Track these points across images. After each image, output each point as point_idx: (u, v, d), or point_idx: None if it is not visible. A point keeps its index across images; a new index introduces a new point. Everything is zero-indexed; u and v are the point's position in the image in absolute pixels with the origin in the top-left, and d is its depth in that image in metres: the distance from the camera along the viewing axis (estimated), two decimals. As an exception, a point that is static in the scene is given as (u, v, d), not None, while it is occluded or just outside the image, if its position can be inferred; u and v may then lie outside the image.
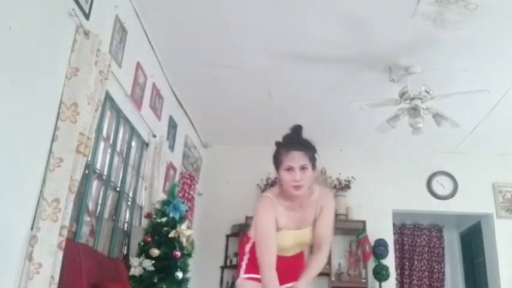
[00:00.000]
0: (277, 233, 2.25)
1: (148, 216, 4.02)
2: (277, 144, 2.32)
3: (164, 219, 3.70)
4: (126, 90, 3.75)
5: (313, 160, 2.26)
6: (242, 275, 2.40)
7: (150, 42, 4.22)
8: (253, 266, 2.31)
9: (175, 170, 5.27)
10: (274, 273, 2.17)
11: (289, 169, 2.20)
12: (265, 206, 2.28)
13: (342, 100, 5.11)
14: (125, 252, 4.04)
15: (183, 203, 3.95)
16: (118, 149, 3.92)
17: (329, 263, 6.02)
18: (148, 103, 4.35)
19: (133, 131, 4.17)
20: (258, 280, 2.26)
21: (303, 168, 2.19)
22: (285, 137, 2.32)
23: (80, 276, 2.68)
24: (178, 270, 3.56)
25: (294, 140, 2.28)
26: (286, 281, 2.25)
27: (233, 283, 6.05)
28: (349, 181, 6.31)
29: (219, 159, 6.65)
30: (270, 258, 2.19)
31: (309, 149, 2.26)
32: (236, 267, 2.66)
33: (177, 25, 4.05)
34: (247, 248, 2.42)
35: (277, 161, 2.27)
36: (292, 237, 2.31)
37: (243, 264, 2.42)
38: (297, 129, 2.33)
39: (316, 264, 2.32)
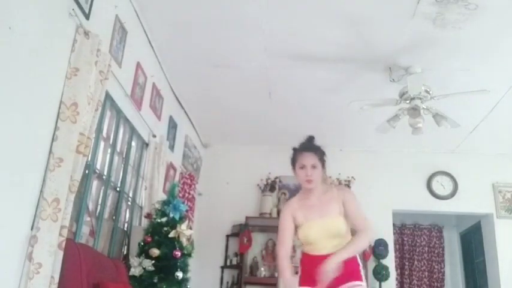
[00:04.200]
0: (302, 226, 2.70)
1: (148, 216, 4.02)
2: (294, 149, 2.84)
3: (164, 219, 3.70)
4: (126, 90, 3.75)
5: (322, 161, 2.77)
6: None
7: (150, 42, 4.22)
8: (305, 279, 2.65)
9: (175, 170, 5.27)
10: (286, 262, 2.63)
11: (302, 167, 2.73)
12: (284, 209, 2.85)
13: (342, 100, 5.11)
14: (125, 252, 4.04)
15: (183, 203, 3.95)
16: (118, 149, 3.92)
17: (329, 263, 6.03)
18: (148, 103, 4.35)
19: (133, 131, 4.17)
20: None
21: (313, 166, 2.71)
22: (299, 144, 2.84)
23: (80, 276, 2.68)
24: (178, 270, 3.56)
25: (306, 145, 2.81)
26: (337, 282, 2.49)
27: (233, 283, 6.05)
28: (349, 181, 6.32)
29: (219, 159, 6.65)
30: (284, 250, 2.70)
31: (318, 151, 2.78)
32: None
33: (177, 25, 4.05)
34: (298, 261, 2.85)
35: (293, 162, 2.81)
36: (318, 227, 2.67)
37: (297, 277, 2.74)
38: (309, 138, 2.85)
39: (353, 244, 2.62)
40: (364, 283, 2.64)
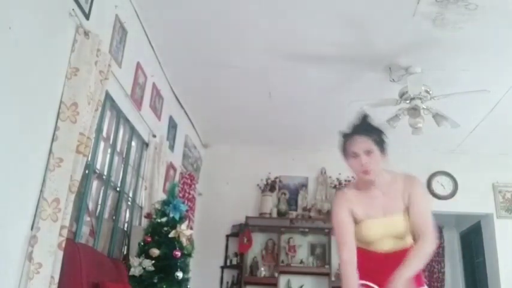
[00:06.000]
0: (361, 224, 2.19)
1: (148, 216, 4.02)
2: (341, 134, 2.29)
3: (164, 219, 3.70)
4: (126, 90, 3.75)
5: (380, 143, 2.20)
6: None
7: (150, 42, 4.22)
8: (361, 272, 2.20)
9: (175, 170, 5.27)
10: (352, 269, 2.10)
11: (355, 156, 2.19)
12: (337, 200, 2.28)
13: (342, 100, 5.11)
14: (125, 252, 4.04)
15: (183, 203, 3.95)
16: (118, 149, 3.92)
17: (329, 263, 6.04)
18: (148, 103, 4.35)
19: (133, 131, 4.17)
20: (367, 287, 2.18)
21: (368, 152, 2.16)
22: (348, 126, 2.29)
23: (80, 276, 2.68)
24: (178, 270, 3.56)
25: (356, 127, 2.25)
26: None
27: (233, 283, 6.05)
28: (349, 181, 6.29)
29: (219, 159, 6.65)
30: (346, 253, 2.14)
31: (372, 132, 2.21)
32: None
33: (177, 25, 4.05)
34: None
35: (343, 151, 2.26)
36: (379, 227, 2.19)
37: None
38: (361, 118, 2.30)
39: (414, 255, 2.11)
40: None
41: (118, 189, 3.95)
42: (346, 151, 2.23)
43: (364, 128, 2.23)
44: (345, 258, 2.13)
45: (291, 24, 3.95)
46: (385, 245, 2.20)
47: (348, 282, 2.09)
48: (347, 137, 2.24)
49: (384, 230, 2.18)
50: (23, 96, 2.38)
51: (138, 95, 4.03)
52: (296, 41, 4.19)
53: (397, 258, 2.13)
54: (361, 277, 2.16)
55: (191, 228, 4.12)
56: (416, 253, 2.11)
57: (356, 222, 2.22)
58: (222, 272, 6.20)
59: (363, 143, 2.17)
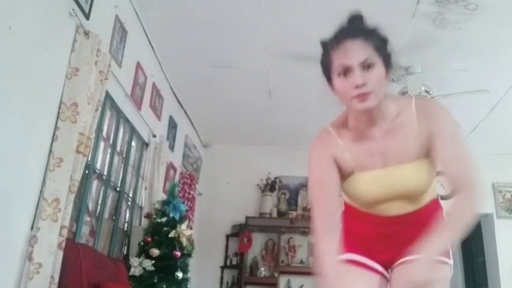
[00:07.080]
0: (349, 179, 1.49)
1: (148, 216, 4.02)
2: (323, 43, 1.53)
3: (164, 219, 3.70)
4: (126, 90, 3.75)
5: (384, 54, 1.43)
6: None
7: (150, 42, 4.22)
8: (346, 241, 1.48)
9: (175, 170, 5.27)
10: (329, 247, 1.40)
11: (345, 72, 1.40)
12: (317, 146, 1.53)
13: (342, 100, 5.10)
14: (125, 252, 4.05)
15: (183, 203, 3.95)
16: (118, 149, 3.92)
17: (329, 263, 6.03)
18: (148, 103, 4.35)
19: (133, 131, 4.17)
20: (356, 263, 1.54)
21: (366, 65, 1.37)
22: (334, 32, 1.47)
23: (80, 276, 2.68)
24: (178, 270, 3.56)
25: (348, 29, 1.48)
26: (399, 254, 1.46)
27: (233, 283, 6.05)
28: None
29: (219, 159, 6.65)
30: (322, 223, 1.44)
31: (372, 36, 1.43)
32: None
33: (177, 25, 4.05)
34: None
35: (325, 66, 1.51)
36: (374, 182, 1.46)
37: None
38: (354, 17, 1.52)
39: (450, 220, 1.44)
40: (446, 260, 1.49)
41: (118, 189, 3.95)
42: (330, 68, 1.46)
43: (360, 29, 1.46)
44: (322, 229, 1.44)
45: (291, 24, 3.95)
46: (389, 210, 1.51)
47: (325, 262, 1.39)
48: (333, 45, 1.45)
49: (382, 189, 1.46)
50: (23, 96, 2.38)
51: (138, 95, 4.03)
52: (296, 41, 4.19)
53: (405, 220, 1.51)
54: (347, 248, 1.51)
55: (191, 228, 4.12)
56: (453, 216, 1.45)
57: (343, 176, 1.50)
58: (222, 272, 6.20)
59: (358, 51, 1.39)
